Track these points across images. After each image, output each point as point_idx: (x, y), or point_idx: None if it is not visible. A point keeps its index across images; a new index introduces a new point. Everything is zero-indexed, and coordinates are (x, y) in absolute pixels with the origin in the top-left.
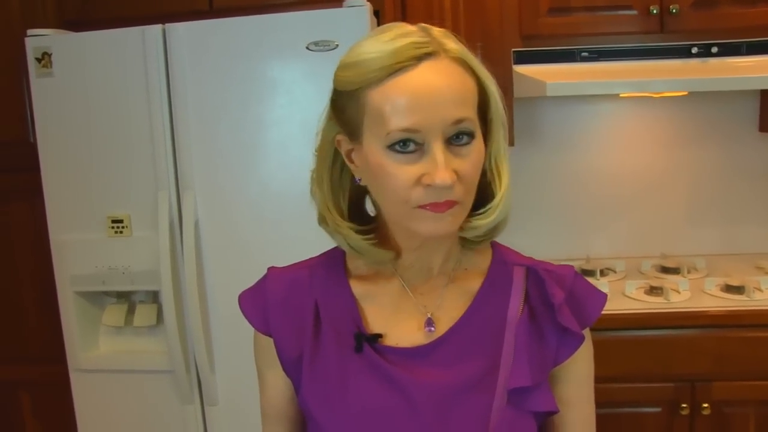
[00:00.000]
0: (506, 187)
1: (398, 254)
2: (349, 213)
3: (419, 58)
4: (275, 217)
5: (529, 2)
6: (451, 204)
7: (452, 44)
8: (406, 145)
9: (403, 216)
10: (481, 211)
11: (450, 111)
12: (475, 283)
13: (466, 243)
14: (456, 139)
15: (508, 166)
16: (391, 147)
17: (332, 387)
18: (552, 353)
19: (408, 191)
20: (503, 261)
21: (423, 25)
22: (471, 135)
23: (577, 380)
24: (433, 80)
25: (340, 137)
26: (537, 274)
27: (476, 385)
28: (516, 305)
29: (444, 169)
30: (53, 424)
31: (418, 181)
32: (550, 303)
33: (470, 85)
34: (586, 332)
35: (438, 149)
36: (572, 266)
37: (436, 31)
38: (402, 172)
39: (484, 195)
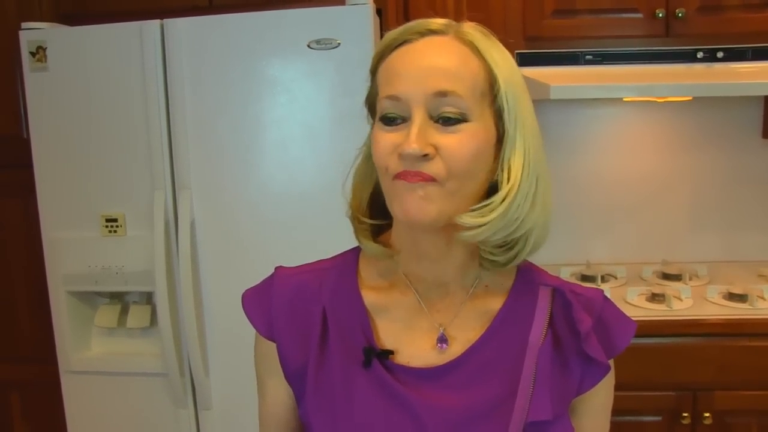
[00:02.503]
0: (513, 187)
1: (403, 260)
2: (372, 207)
3: (423, 34)
4: (273, 218)
5: (533, 4)
6: (426, 178)
7: (469, 29)
8: (395, 120)
9: (387, 191)
10: (475, 207)
11: (435, 82)
12: (496, 303)
13: (484, 262)
14: (445, 120)
15: (521, 169)
16: (382, 119)
17: (337, 403)
18: (575, 383)
19: (387, 158)
20: (528, 280)
21: (462, 21)
22: (462, 116)
23: (595, 412)
24: (427, 52)
25: (372, 124)
26: (564, 296)
27: (491, 413)
28: (539, 329)
29: (415, 138)
30: (43, 426)
31: (394, 150)
32: (576, 329)
33: (473, 66)
34: (611, 362)
35: (416, 118)
36: (601, 290)
37: (468, 23)
38: (383, 139)
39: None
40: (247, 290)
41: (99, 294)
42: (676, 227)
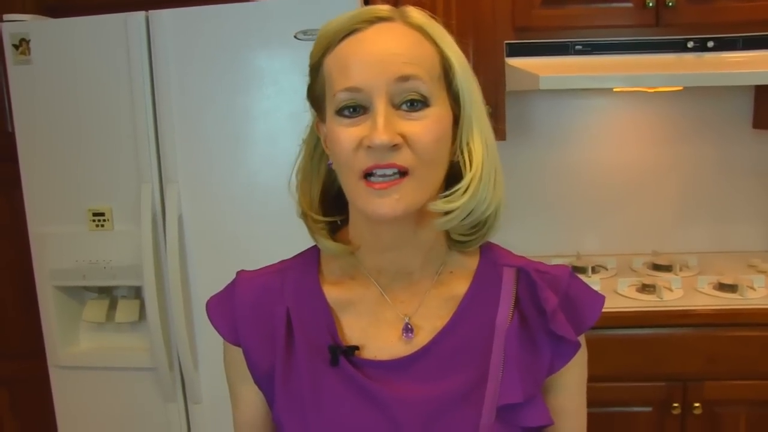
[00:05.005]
0: (478, 169)
1: (365, 254)
2: (322, 205)
3: (371, 21)
4: (261, 211)
5: None
6: (399, 177)
7: (416, 14)
8: (355, 110)
9: (352, 190)
10: (446, 193)
11: (395, 67)
12: (460, 287)
13: (453, 245)
14: (409, 104)
15: (483, 150)
16: (339, 112)
17: (306, 403)
18: (546, 363)
19: (352, 156)
20: (492, 262)
21: (405, 7)
22: (425, 101)
23: (570, 389)
24: (381, 39)
25: (317, 120)
26: (529, 276)
27: (462, 400)
28: (505, 311)
29: (383, 128)
30: (32, 421)
31: (360, 145)
32: (542, 308)
33: (427, 50)
34: (581, 337)
35: (380, 108)
36: (567, 267)
37: (411, 8)
38: (346, 135)
39: (456, 182)
40: (210, 298)
41: (87, 289)
42: (666, 218)
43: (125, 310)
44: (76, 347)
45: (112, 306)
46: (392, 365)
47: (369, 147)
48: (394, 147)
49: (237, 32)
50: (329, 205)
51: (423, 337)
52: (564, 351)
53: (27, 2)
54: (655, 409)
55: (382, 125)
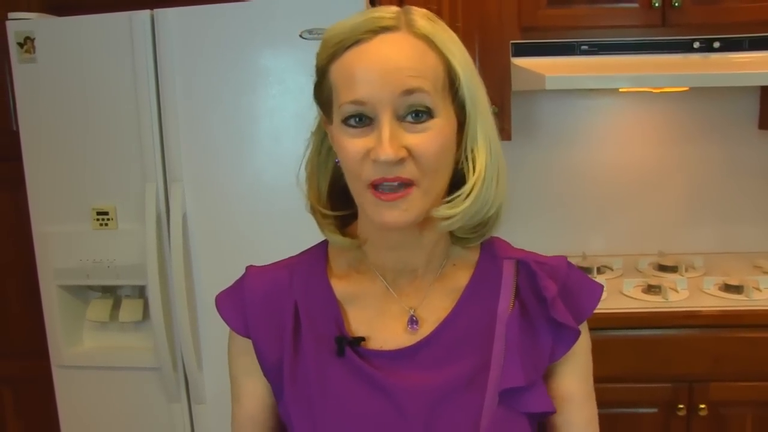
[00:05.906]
0: (480, 174)
1: (371, 250)
2: (331, 198)
3: (375, 32)
4: (266, 210)
5: None
6: (406, 188)
7: (421, 22)
8: (361, 120)
9: (360, 196)
10: (449, 199)
11: (400, 81)
12: (462, 279)
13: (456, 240)
14: (414, 116)
15: (486, 155)
16: (345, 121)
17: (314, 394)
18: (546, 350)
19: (358, 166)
20: (493, 254)
21: (408, 7)
22: (429, 112)
23: (577, 375)
24: (385, 51)
25: (324, 118)
26: (528, 266)
27: (466, 386)
28: (506, 301)
29: (389, 144)
30: (35, 421)
31: (366, 156)
32: (542, 297)
33: (432, 61)
34: (583, 325)
35: (385, 122)
36: (565, 257)
37: (417, 11)
38: (352, 145)
39: (459, 185)
40: (219, 293)
41: (91, 288)
42: (672, 219)
43: (129, 310)
44: (79, 347)
45: (116, 305)
46: (397, 355)
47: (374, 160)
48: (400, 161)
49: (242, 31)
50: (337, 198)
51: (427, 328)
52: (565, 338)
53: (32, 0)
54: (661, 410)
55: (387, 140)
